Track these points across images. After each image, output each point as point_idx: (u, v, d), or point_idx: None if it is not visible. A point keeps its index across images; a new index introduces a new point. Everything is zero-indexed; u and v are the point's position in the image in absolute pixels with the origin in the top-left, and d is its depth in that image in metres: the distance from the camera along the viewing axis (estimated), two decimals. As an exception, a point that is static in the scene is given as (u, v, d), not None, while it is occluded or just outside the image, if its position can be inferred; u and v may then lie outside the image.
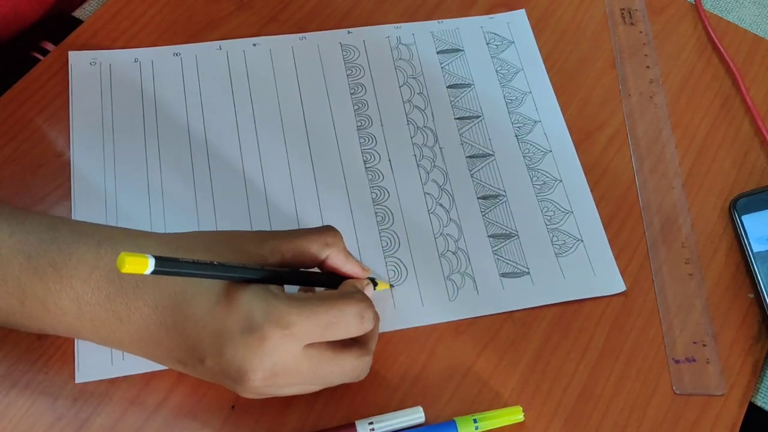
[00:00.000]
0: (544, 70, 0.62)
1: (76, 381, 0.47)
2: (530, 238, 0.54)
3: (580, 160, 0.58)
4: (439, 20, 0.64)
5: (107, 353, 0.48)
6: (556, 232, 0.55)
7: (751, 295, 0.54)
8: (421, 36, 0.63)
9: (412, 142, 0.58)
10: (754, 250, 0.54)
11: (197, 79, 0.59)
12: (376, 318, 0.44)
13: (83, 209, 0.53)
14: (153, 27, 0.61)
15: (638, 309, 0.53)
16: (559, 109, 0.60)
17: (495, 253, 0.54)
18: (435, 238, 0.54)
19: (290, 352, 0.41)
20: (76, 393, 0.47)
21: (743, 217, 0.55)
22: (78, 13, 0.62)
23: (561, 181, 0.57)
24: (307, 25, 0.63)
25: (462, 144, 0.58)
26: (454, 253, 0.54)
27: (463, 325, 0.51)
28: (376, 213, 0.55)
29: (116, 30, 0.61)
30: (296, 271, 0.45)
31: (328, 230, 0.46)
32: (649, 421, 0.49)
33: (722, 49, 0.64)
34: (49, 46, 0.60)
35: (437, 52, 0.62)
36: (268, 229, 0.53)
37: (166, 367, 0.46)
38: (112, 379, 0.47)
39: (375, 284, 0.50)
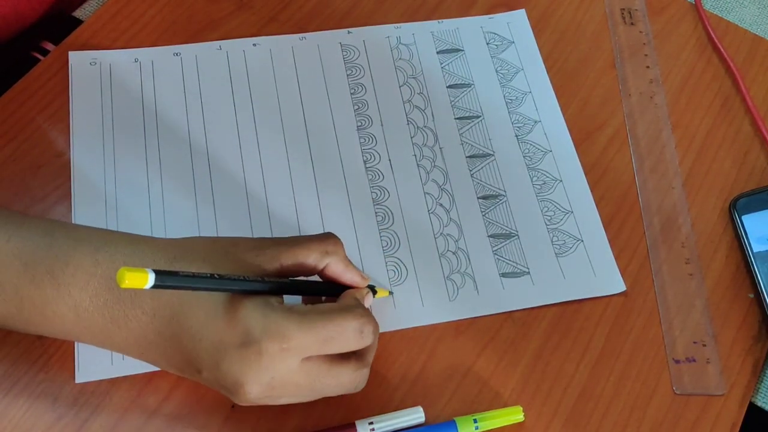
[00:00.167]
0: (544, 70, 0.62)
1: (76, 381, 0.47)
2: (530, 238, 0.54)
3: (580, 160, 0.58)
4: (439, 20, 0.64)
5: (107, 353, 0.47)
6: (556, 232, 0.55)
7: (751, 295, 0.54)
8: (421, 36, 0.63)
9: (412, 142, 0.58)
10: (754, 250, 0.54)
11: (197, 79, 0.59)
12: (376, 332, 0.44)
13: (83, 210, 0.53)
14: (153, 27, 0.61)
15: (638, 309, 0.53)
16: (559, 109, 0.60)
17: (495, 253, 0.54)
18: (435, 238, 0.54)
19: (288, 366, 0.41)
20: (76, 393, 0.47)
21: (743, 217, 0.55)
22: (78, 13, 0.62)
23: (561, 181, 0.57)
24: (307, 25, 0.63)
25: (462, 144, 0.58)
26: (454, 253, 0.54)
27: (463, 325, 0.51)
28: (376, 213, 0.55)
29: (116, 30, 0.61)
30: (295, 282, 0.45)
31: (328, 238, 0.46)
32: (649, 421, 0.49)
33: (722, 49, 0.64)
34: (49, 46, 0.60)
35: (437, 52, 0.62)
36: (267, 228, 0.53)
37: (166, 368, 0.46)
38: (112, 379, 0.47)
39: (374, 292, 0.49)
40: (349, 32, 0.63)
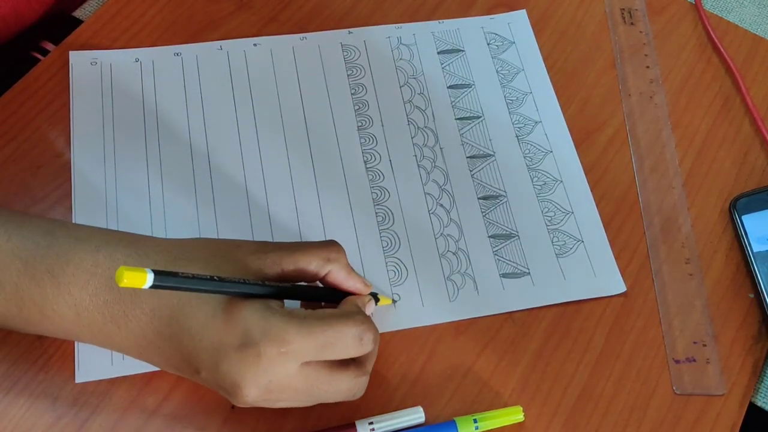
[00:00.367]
0: (545, 70, 0.62)
1: (76, 381, 0.47)
2: (531, 238, 0.54)
3: (580, 160, 0.58)
4: (440, 20, 0.64)
5: (107, 353, 0.47)
6: (556, 233, 0.55)
7: (751, 295, 0.54)
8: (421, 36, 0.63)
9: (412, 142, 0.58)
10: (754, 250, 0.54)
11: (198, 79, 0.59)
12: (376, 339, 0.44)
13: (83, 210, 0.53)
14: (153, 27, 0.61)
15: (638, 309, 0.53)
16: (559, 109, 0.60)
17: (495, 254, 0.54)
18: (435, 238, 0.54)
19: (286, 370, 0.40)
20: (76, 393, 0.47)
21: (743, 217, 0.55)
22: (78, 13, 0.62)
23: (561, 181, 0.57)
24: (308, 25, 0.63)
25: (462, 144, 0.58)
26: (454, 254, 0.54)
27: (463, 326, 0.51)
28: (376, 213, 0.55)
29: (116, 30, 0.61)
30: (296, 287, 0.45)
31: (330, 245, 0.46)
32: (649, 421, 0.49)
33: (722, 49, 0.64)
34: (49, 46, 0.60)
35: (438, 53, 0.62)
36: (267, 229, 0.53)
37: (167, 368, 0.46)
38: (112, 379, 0.47)
39: (377, 300, 0.49)
40: (349, 32, 0.63)
